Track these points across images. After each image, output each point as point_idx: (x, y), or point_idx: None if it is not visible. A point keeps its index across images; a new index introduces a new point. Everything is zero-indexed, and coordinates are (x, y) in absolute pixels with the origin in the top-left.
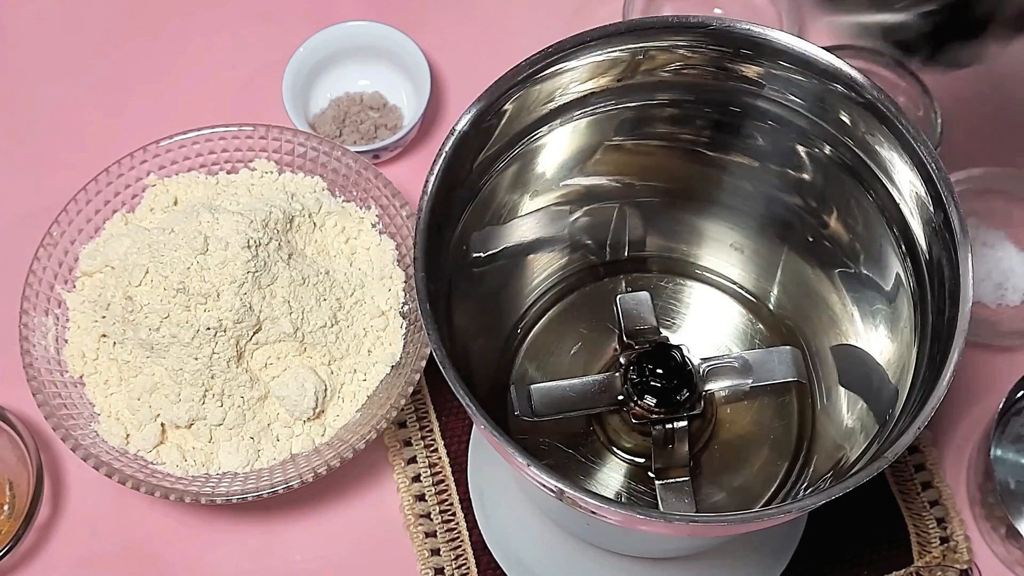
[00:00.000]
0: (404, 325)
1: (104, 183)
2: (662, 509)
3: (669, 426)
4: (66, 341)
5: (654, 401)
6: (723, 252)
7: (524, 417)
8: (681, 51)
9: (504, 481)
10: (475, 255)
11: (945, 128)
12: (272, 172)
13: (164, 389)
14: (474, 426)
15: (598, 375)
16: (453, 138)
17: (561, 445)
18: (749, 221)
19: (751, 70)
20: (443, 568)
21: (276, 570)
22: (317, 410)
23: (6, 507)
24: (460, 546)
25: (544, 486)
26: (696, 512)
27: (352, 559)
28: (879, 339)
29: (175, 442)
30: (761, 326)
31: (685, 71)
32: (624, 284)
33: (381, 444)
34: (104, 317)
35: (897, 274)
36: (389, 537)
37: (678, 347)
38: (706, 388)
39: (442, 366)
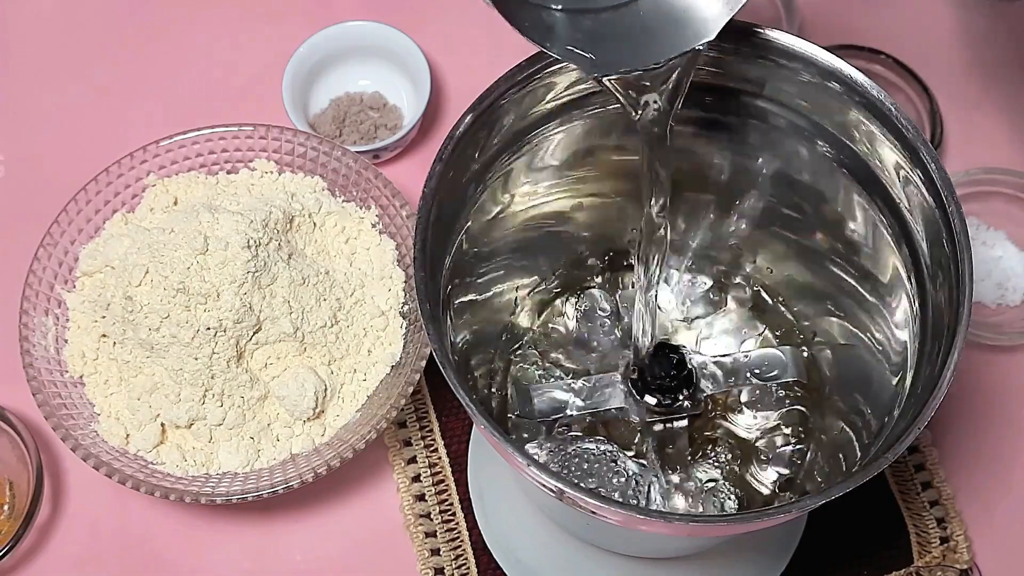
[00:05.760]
0: (404, 325)
1: (104, 183)
2: (662, 509)
3: (669, 426)
4: (66, 341)
5: (654, 401)
6: (723, 251)
7: (524, 417)
8: None
9: (504, 481)
10: (475, 254)
11: (945, 128)
12: (272, 172)
13: (164, 389)
14: (474, 426)
15: (599, 375)
16: (453, 138)
17: (561, 445)
18: (749, 220)
19: (751, 70)
20: (443, 568)
21: (276, 570)
22: (317, 410)
23: (6, 507)
24: (460, 546)
25: (544, 486)
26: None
27: (352, 559)
28: (879, 339)
29: (175, 442)
30: (761, 326)
31: None
32: (624, 283)
33: (381, 444)
34: (104, 317)
35: (897, 273)
36: (389, 537)
37: (678, 347)
38: (706, 388)
39: (442, 366)
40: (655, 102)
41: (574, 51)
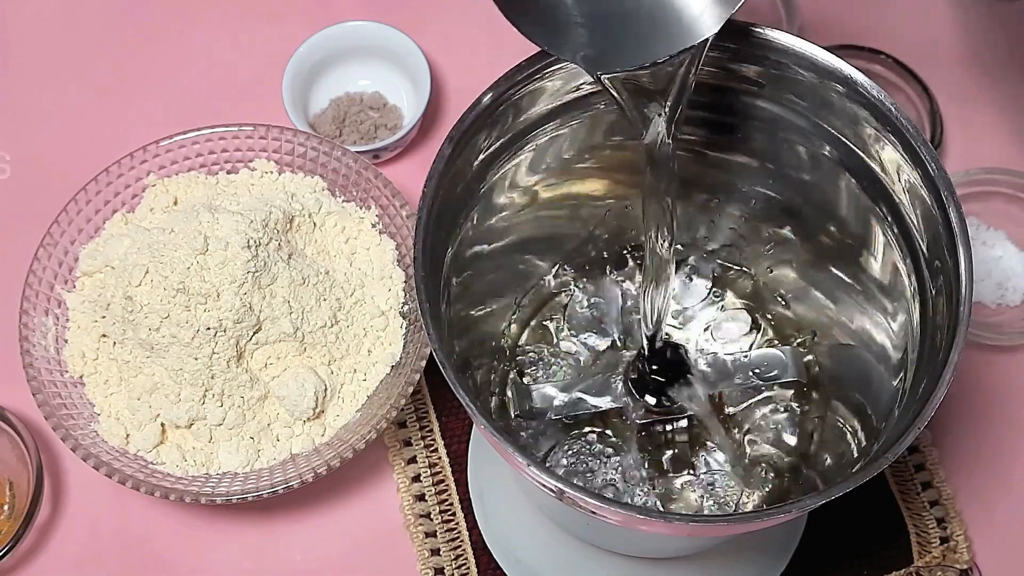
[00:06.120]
0: (404, 325)
1: (104, 183)
2: (662, 508)
3: (669, 426)
4: (66, 341)
5: (654, 401)
6: (723, 250)
7: (524, 417)
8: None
9: (504, 481)
10: (475, 254)
11: (945, 128)
12: (272, 172)
13: (164, 389)
14: (474, 426)
15: (598, 375)
16: (453, 138)
17: (561, 444)
18: (748, 220)
19: (751, 70)
20: (443, 568)
21: (276, 570)
22: (317, 410)
23: (6, 507)
24: (460, 546)
25: (544, 486)
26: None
27: (352, 559)
28: (879, 338)
29: (175, 442)
30: (762, 326)
31: None
32: (625, 282)
33: (381, 444)
34: (104, 317)
35: (897, 274)
36: (389, 537)
37: (678, 347)
38: (706, 388)
39: (442, 366)
40: (660, 113)
41: (576, 53)
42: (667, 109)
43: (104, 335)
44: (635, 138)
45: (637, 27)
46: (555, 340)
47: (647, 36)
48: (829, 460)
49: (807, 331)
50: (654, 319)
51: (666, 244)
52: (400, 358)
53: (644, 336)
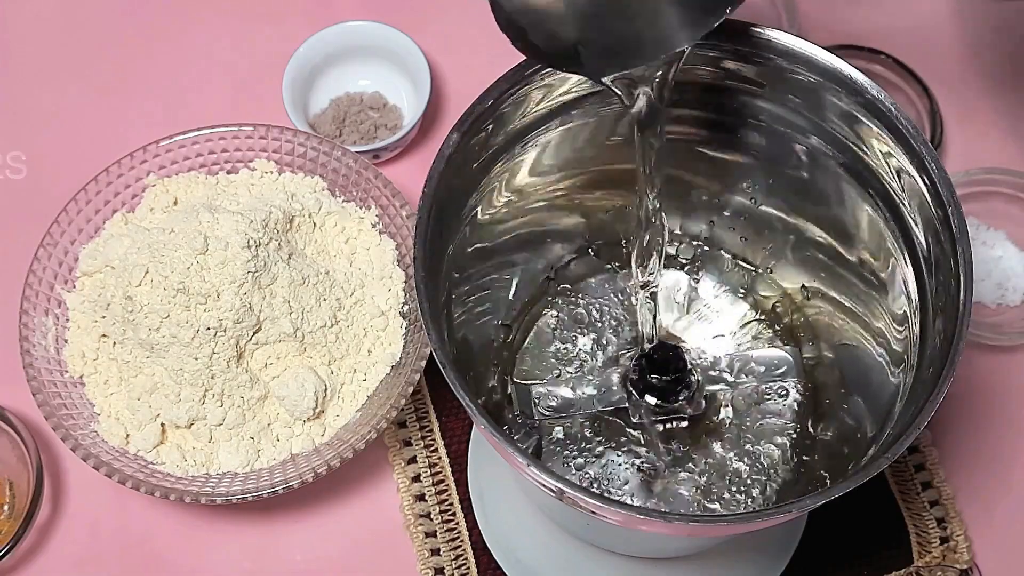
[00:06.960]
0: (404, 325)
1: (104, 183)
2: (662, 508)
3: (669, 425)
4: (66, 341)
5: (654, 401)
6: (723, 250)
7: (524, 416)
8: None
9: (504, 481)
10: (475, 253)
11: (945, 128)
12: (272, 172)
13: (164, 389)
14: (474, 426)
15: (599, 375)
16: (453, 138)
17: (561, 445)
18: (748, 220)
19: (751, 70)
20: (443, 568)
21: (276, 570)
22: (317, 410)
23: (6, 507)
24: (460, 546)
25: (544, 486)
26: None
27: (352, 559)
28: (879, 338)
29: (175, 442)
30: (762, 325)
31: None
32: (624, 282)
33: (381, 444)
34: (104, 317)
35: (897, 274)
36: (389, 537)
37: (678, 347)
38: (706, 388)
39: (442, 366)
40: (646, 94)
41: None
42: (656, 82)
43: (104, 335)
44: (624, 107)
45: (625, 32)
46: (555, 340)
47: (635, 40)
48: (829, 459)
49: (807, 331)
50: (652, 321)
51: (655, 208)
52: (400, 358)
53: (643, 336)
